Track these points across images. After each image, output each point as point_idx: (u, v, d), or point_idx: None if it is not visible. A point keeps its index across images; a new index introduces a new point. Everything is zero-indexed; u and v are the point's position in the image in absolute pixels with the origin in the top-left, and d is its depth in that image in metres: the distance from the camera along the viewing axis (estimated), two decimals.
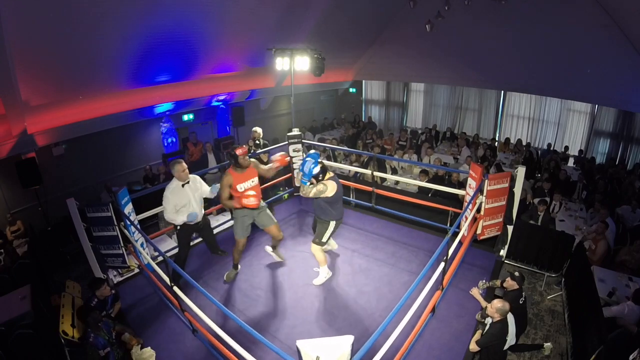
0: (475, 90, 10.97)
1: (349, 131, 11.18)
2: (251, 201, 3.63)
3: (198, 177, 3.90)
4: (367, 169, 6.05)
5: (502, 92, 10.48)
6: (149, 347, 3.18)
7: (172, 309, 3.51)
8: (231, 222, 5.19)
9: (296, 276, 4.10)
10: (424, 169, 6.98)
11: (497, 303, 3.08)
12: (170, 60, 6.57)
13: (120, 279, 4.18)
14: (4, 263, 5.14)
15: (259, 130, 5.39)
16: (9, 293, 4.01)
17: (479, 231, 4.19)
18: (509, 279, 3.61)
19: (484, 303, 3.50)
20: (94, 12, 4.73)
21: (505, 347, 3.13)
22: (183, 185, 3.68)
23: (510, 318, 3.13)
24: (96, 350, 2.90)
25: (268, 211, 4.03)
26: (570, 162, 9.23)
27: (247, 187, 3.71)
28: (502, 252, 4.49)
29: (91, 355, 2.88)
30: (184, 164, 3.64)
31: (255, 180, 3.81)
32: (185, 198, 3.70)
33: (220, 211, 5.75)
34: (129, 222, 3.84)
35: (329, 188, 3.55)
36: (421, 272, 2.61)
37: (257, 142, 5.31)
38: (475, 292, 3.60)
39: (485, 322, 3.21)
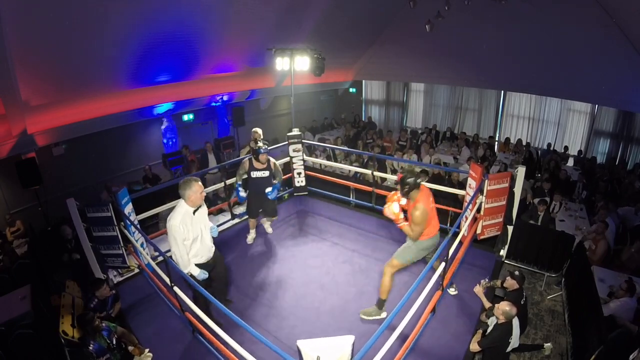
0: (475, 90, 10.98)
1: (349, 131, 11.18)
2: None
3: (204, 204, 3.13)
4: (367, 169, 6.04)
5: (502, 92, 10.48)
6: (147, 350, 3.18)
7: (172, 309, 3.51)
8: (231, 222, 5.20)
9: (296, 276, 4.10)
10: (424, 169, 6.98)
11: (505, 306, 3.05)
12: (171, 60, 6.58)
13: (120, 279, 4.17)
14: (4, 263, 5.14)
15: (259, 130, 5.37)
16: (9, 293, 4.01)
17: (478, 231, 4.19)
18: (508, 278, 3.60)
19: (487, 303, 3.49)
20: (94, 12, 4.73)
21: (508, 349, 3.12)
22: (194, 212, 2.91)
23: (515, 321, 3.12)
24: (95, 358, 2.89)
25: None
26: (570, 162, 9.23)
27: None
28: (502, 252, 4.49)
29: None
30: (200, 182, 2.90)
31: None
32: (196, 229, 2.92)
33: (220, 211, 5.75)
34: (129, 222, 3.83)
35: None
36: (421, 272, 2.61)
37: (260, 143, 5.29)
38: (479, 290, 3.59)
39: (489, 322, 3.21)
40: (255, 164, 4.23)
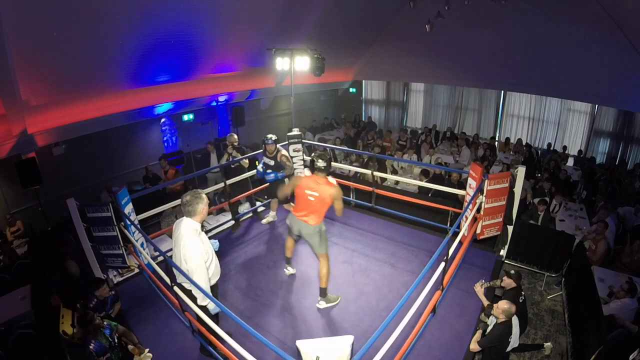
0: (475, 90, 10.98)
1: (349, 130, 11.18)
2: None
3: None
4: (367, 169, 6.04)
5: (502, 92, 10.49)
6: (147, 349, 3.18)
7: (172, 309, 3.51)
8: (232, 222, 5.19)
9: (296, 276, 4.10)
10: (424, 169, 6.98)
11: (504, 304, 3.06)
12: (170, 60, 6.58)
13: (120, 279, 4.17)
14: (4, 263, 5.14)
15: (235, 136, 5.38)
16: (9, 293, 4.01)
17: (478, 231, 4.19)
18: (505, 277, 3.62)
19: (486, 302, 3.49)
20: (94, 12, 4.73)
21: (508, 349, 3.12)
22: (202, 229, 2.75)
23: (515, 320, 3.12)
24: (96, 358, 2.89)
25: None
26: (570, 162, 9.23)
27: None
28: (502, 252, 4.49)
29: None
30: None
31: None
32: (208, 246, 2.74)
33: (220, 211, 5.74)
34: (129, 222, 3.83)
35: None
36: (421, 272, 2.60)
37: (240, 147, 5.25)
38: (479, 289, 3.59)
39: (488, 322, 3.21)
40: (266, 152, 4.71)
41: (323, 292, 3.55)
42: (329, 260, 3.52)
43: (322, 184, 3.33)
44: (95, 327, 2.99)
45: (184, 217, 2.68)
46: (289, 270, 4.07)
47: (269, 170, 4.66)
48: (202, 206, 2.66)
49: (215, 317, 2.79)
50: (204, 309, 2.66)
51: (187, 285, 2.67)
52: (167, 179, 6.78)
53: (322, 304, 3.56)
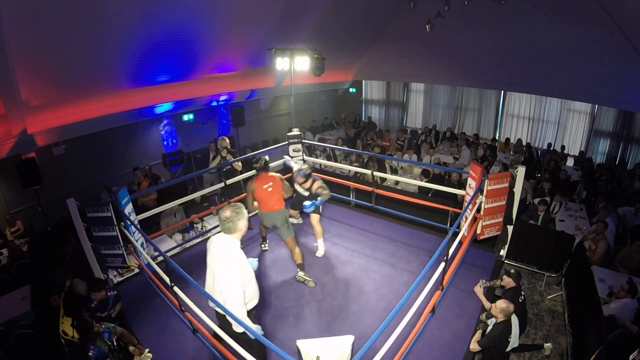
0: (475, 90, 10.98)
1: (349, 129, 11.18)
2: None
3: None
4: (367, 169, 6.05)
5: (502, 92, 10.48)
6: (147, 350, 3.18)
7: (172, 309, 3.51)
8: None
9: (295, 277, 4.09)
10: (425, 169, 6.98)
11: (502, 304, 3.07)
12: (170, 60, 6.57)
13: (120, 279, 4.18)
14: (5, 263, 5.14)
15: (227, 139, 5.33)
16: (9, 293, 4.02)
17: (478, 231, 4.19)
18: (505, 276, 3.62)
19: (486, 303, 3.50)
20: (94, 12, 4.73)
21: (508, 348, 3.12)
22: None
23: (514, 320, 3.13)
24: None
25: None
26: (569, 162, 9.23)
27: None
28: (502, 252, 4.49)
29: None
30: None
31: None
32: (249, 267, 2.53)
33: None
34: (129, 222, 3.83)
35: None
36: (421, 272, 2.61)
37: (233, 150, 5.15)
38: (479, 290, 3.60)
39: (489, 322, 3.21)
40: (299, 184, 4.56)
41: (301, 267, 3.98)
42: (296, 243, 4.02)
43: (270, 176, 3.94)
44: (94, 334, 2.99)
45: (220, 234, 2.50)
46: (264, 246, 4.65)
47: (305, 203, 4.16)
48: (244, 222, 2.46)
49: (258, 343, 2.34)
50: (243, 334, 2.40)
51: (221, 310, 2.42)
52: (139, 191, 6.40)
53: (300, 274, 3.97)
